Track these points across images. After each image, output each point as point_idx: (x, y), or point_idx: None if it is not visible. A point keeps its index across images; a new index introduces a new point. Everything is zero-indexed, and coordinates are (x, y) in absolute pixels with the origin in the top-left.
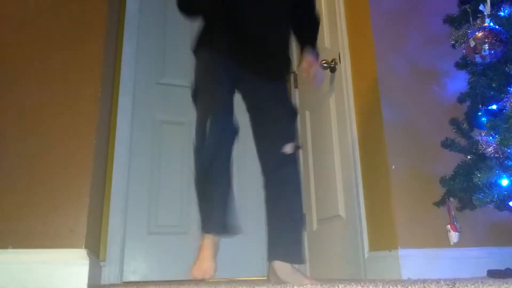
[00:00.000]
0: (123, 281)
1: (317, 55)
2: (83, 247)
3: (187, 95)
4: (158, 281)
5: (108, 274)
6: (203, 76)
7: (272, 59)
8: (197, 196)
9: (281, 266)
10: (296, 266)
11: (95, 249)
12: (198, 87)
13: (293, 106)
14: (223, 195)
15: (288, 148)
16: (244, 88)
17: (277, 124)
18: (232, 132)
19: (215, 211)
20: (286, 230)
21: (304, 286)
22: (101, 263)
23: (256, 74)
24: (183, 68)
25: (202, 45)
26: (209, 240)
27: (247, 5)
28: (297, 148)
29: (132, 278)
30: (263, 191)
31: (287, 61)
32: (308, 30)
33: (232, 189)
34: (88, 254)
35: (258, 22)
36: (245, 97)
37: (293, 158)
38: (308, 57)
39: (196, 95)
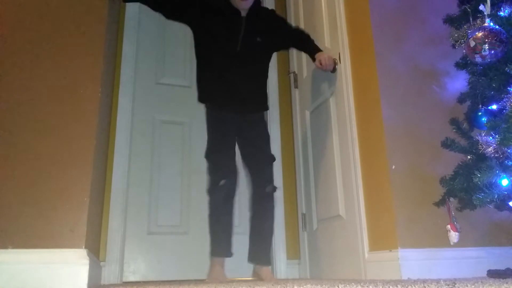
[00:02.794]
0: (123, 281)
1: (320, 50)
2: (83, 247)
3: (187, 95)
4: (158, 281)
5: (108, 274)
6: (214, 139)
7: (253, 101)
8: (210, 225)
9: (260, 268)
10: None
11: (95, 249)
12: (210, 149)
13: (271, 154)
14: (229, 226)
15: (269, 189)
16: (239, 135)
17: (260, 167)
18: (235, 181)
19: (224, 239)
20: (262, 243)
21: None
22: (101, 263)
23: (245, 112)
24: (183, 68)
25: (207, 100)
26: (219, 259)
27: (235, 67)
28: (274, 189)
29: (132, 278)
30: (249, 212)
31: (264, 99)
32: (309, 44)
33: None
34: (88, 254)
35: (242, 79)
36: (239, 140)
37: (271, 195)
38: (318, 56)
39: (209, 155)
